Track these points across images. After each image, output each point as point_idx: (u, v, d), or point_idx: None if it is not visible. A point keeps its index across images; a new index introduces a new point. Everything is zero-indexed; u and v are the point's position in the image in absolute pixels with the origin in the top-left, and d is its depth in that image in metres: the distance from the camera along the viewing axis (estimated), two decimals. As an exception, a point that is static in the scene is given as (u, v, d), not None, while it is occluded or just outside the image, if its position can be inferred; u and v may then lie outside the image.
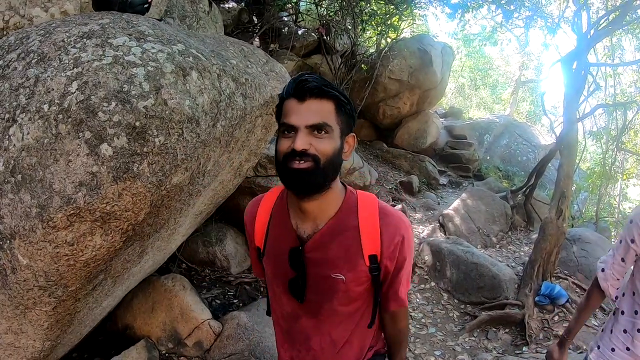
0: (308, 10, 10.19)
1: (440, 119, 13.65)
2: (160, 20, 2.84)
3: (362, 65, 9.89)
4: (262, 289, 4.25)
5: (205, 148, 2.23)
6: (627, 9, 6.69)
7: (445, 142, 12.42)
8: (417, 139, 11.39)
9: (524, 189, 8.63)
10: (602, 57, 9.77)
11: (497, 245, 7.31)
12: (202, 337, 3.44)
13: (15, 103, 1.90)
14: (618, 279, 2.02)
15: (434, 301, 5.51)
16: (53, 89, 1.88)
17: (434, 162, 10.84)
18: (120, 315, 3.47)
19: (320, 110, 1.25)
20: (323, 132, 1.25)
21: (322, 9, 9.75)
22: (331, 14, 9.67)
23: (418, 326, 4.91)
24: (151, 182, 1.94)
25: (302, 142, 1.22)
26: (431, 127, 11.67)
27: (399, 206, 7.85)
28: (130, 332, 3.44)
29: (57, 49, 2.04)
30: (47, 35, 2.15)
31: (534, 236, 6.84)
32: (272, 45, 8.66)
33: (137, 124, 1.87)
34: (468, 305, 5.47)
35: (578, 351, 4.33)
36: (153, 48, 2.09)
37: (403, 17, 10.22)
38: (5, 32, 3.33)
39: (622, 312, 1.98)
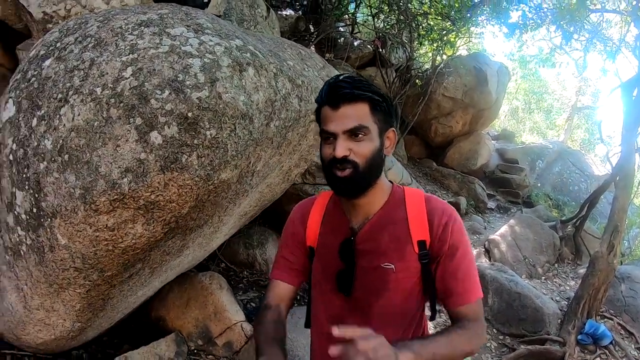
0: (365, 22, 10.16)
1: (492, 141, 13.25)
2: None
3: (417, 81, 9.74)
4: (298, 297, 4.19)
5: (257, 147, 2.18)
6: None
7: (496, 165, 12.02)
8: (468, 160, 11.08)
9: (575, 220, 8.19)
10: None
11: (543, 277, 6.95)
12: (233, 339, 3.40)
13: (68, 84, 1.91)
14: None
15: (472, 328, 5.25)
16: (107, 73, 1.89)
17: (483, 185, 10.49)
18: (154, 306, 3.47)
19: (355, 114, 1.27)
20: (361, 134, 1.28)
21: (379, 22, 9.69)
22: (388, 27, 9.59)
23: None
24: (199, 175, 1.90)
25: (341, 149, 1.26)
26: (483, 148, 11.33)
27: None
28: (162, 324, 3.43)
29: (114, 35, 2.04)
30: (106, 21, 2.16)
31: (582, 270, 6.46)
32: (327, 55, 8.66)
33: (190, 114, 1.84)
34: (507, 337, 5.19)
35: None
36: (211, 41, 2.07)
37: (460, 34, 10.02)
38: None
39: None
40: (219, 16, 3.87)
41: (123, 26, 2.09)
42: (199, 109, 1.86)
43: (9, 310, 2.46)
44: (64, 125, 1.85)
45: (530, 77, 21.95)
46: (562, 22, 8.03)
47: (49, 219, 1.91)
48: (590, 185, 11.72)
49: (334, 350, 1.03)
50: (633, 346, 5.16)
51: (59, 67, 1.99)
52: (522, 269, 6.83)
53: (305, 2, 9.58)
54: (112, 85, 1.85)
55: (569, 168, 12.98)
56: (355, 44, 9.98)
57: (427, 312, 1.48)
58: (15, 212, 2.03)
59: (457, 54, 10.86)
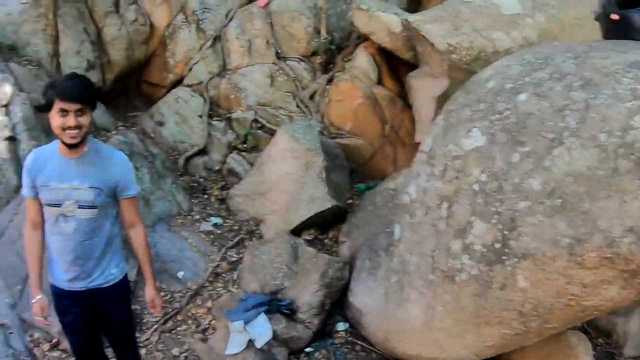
0: None
1: None
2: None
3: None
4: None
5: None
6: None
7: None
8: None
9: None
10: None
11: None
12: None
13: (560, 124, 1.84)
14: None
15: None
16: (610, 118, 1.75)
17: None
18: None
19: None
20: None
21: None
22: None
23: None
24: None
25: None
26: None
27: None
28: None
29: (603, 76, 1.90)
30: (580, 59, 2.05)
31: None
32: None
33: None
34: None
35: None
36: None
37: None
38: (468, 52, 3.57)
39: None
40: None
41: (609, 66, 1.94)
42: None
43: (402, 319, 2.62)
44: (558, 167, 1.78)
45: None
46: None
47: (515, 259, 1.88)
48: None
49: None
50: None
51: (541, 104, 1.95)
52: None
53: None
54: (619, 133, 1.71)
55: None
56: None
57: None
58: (467, 240, 2.09)
59: None
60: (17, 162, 3.65)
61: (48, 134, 3.93)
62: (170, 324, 3.14)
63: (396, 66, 4.60)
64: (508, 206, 1.90)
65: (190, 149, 4.67)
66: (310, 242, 3.56)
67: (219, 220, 3.93)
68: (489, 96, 2.21)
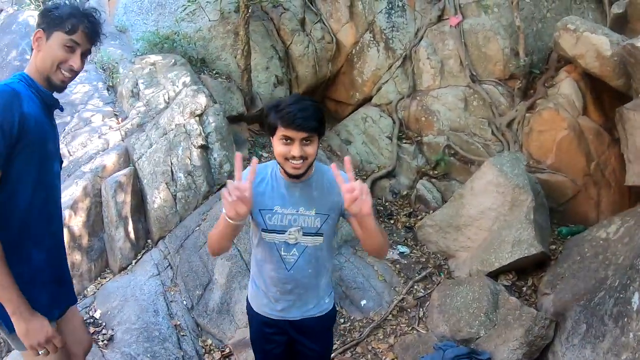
0: None
1: None
2: None
3: None
4: None
5: None
6: None
7: None
8: None
9: None
10: None
11: None
12: None
13: None
14: None
15: None
16: None
17: None
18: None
19: None
20: None
21: None
22: None
23: None
24: None
25: None
26: None
27: None
28: None
29: None
30: None
31: None
32: None
33: None
34: None
35: None
36: None
37: None
38: None
39: None
40: None
41: None
42: None
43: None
44: None
45: None
46: None
47: None
48: None
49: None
50: None
51: None
52: None
53: None
54: None
55: None
56: None
57: None
58: None
59: None
60: (209, 169, 3.86)
61: (238, 144, 4.20)
62: (348, 354, 3.10)
63: (600, 94, 4.09)
64: None
65: (378, 170, 4.67)
66: (507, 288, 3.32)
67: (406, 250, 3.87)
68: None
